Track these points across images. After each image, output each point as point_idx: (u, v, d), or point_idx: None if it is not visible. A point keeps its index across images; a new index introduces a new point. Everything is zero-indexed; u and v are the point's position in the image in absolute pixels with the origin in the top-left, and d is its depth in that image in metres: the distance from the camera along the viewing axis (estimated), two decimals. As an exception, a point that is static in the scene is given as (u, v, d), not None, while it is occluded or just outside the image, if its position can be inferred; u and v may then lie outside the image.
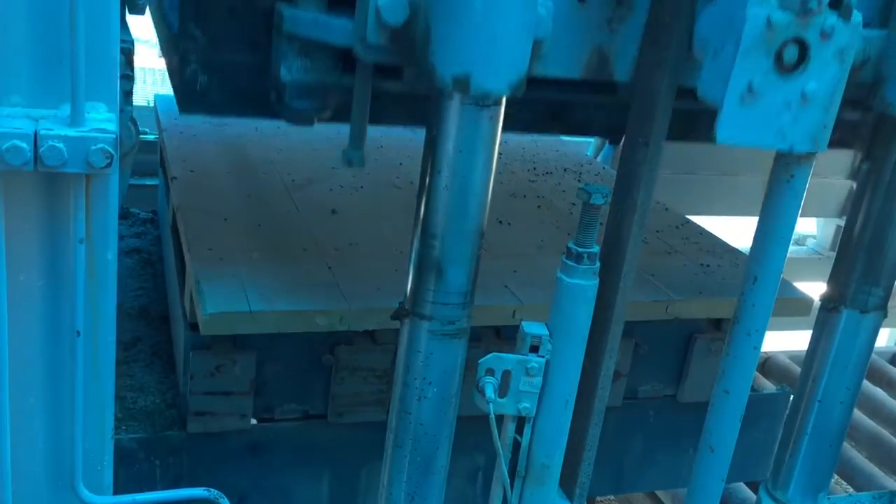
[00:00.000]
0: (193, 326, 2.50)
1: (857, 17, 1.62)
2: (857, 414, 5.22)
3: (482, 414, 1.78)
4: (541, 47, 1.71)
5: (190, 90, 2.00)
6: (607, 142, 5.12)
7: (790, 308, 3.01)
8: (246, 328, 2.47)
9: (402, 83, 1.68)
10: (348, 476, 2.80)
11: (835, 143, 2.14)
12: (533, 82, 1.67)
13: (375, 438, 2.11)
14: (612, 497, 5.58)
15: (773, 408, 3.25)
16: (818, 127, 1.66)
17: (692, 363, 3.05)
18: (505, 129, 1.69)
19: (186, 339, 2.54)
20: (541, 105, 2.37)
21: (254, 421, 2.63)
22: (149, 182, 4.08)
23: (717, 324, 3.03)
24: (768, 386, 4.74)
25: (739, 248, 3.43)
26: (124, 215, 3.97)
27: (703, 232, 3.60)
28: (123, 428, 2.59)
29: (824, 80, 1.61)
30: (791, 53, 1.56)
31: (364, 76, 1.96)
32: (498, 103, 1.65)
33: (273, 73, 1.93)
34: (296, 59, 1.88)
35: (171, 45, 2.10)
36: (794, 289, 3.11)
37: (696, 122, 2.18)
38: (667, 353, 3.04)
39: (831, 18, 1.56)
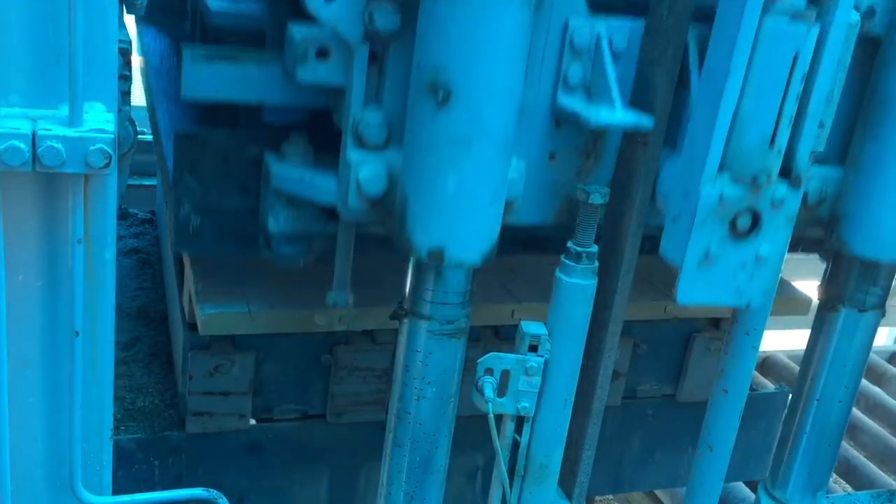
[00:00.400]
0: (192, 326, 2.50)
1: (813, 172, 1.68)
2: (856, 413, 5.22)
3: (481, 413, 1.78)
4: (513, 204, 1.78)
5: (184, 231, 2.09)
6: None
7: (789, 307, 3.01)
8: (244, 328, 2.46)
9: (383, 228, 1.76)
10: (347, 476, 2.79)
11: (800, 248, 2.17)
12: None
13: (374, 438, 2.11)
14: (611, 496, 5.58)
15: (771, 407, 3.26)
16: (773, 281, 1.72)
17: (691, 362, 3.05)
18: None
19: (185, 340, 2.54)
20: (515, 240, 2.45)
21: (253, 421, 2.63)
22: (147, 182, 4.07)
23: (716, 323, 3.03)
24: (767, 385, 4.73)
25: (738, 248, 3.43)
26: (123, 215, 3.96)
27: (701, 231, 3.59)
28: (122, 428, 2.59)
29: (777, 242, 1.65)
30: (744, 221, 1.61)
31: (347, 228, 2.06)
32: (472, 268, 1.74)
33: (261, 222, 2.02)
34: (283, 210, 1.96)
35: (167, 188, 2.16)
36: (793, 288, 3.11)
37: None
38: (666, 353, 3.04)
39: (781, 189, 1.59)
